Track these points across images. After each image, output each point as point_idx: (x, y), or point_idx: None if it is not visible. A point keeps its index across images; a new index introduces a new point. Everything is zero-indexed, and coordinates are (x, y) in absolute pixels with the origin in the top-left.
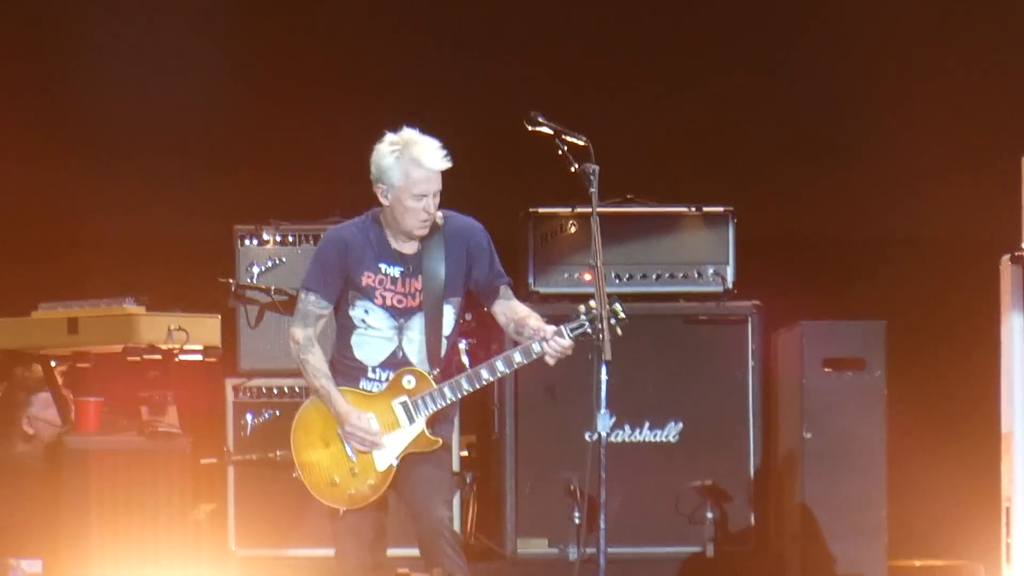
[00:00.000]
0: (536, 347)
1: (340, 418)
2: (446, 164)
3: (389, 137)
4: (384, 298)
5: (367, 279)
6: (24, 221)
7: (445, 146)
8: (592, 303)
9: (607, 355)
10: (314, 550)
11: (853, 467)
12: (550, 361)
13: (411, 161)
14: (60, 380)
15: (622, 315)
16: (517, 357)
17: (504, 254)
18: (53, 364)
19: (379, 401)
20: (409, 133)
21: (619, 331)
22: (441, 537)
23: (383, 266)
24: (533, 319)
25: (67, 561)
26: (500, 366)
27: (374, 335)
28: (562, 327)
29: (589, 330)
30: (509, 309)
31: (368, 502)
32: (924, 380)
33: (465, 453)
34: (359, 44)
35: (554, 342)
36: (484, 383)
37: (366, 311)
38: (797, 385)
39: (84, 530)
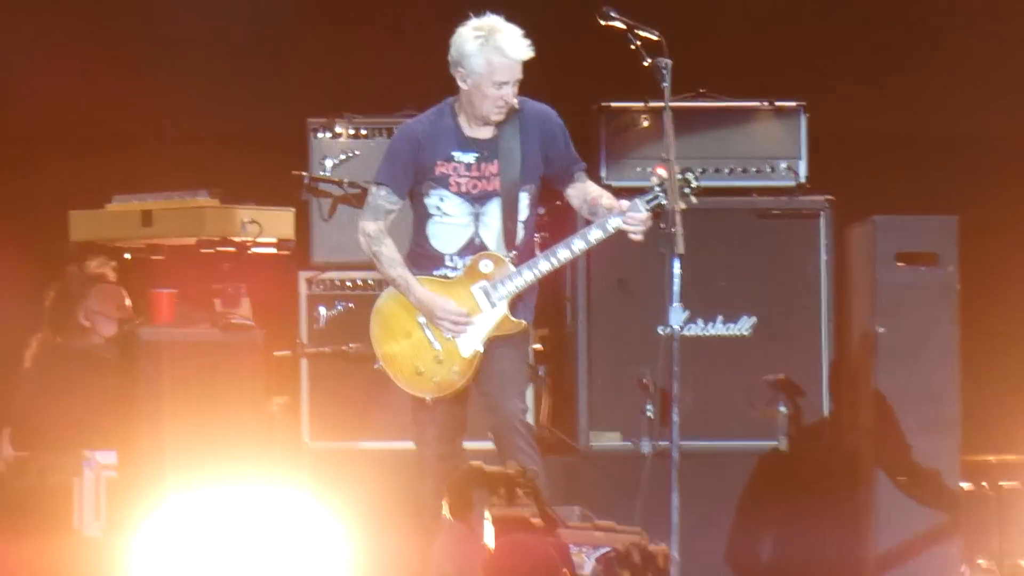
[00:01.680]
0: (613, 221)
1: (423, 306)
2: (529, 53)
3: (473, 22)
4: (459, 184)
5: (441, 167)
6: (99, 115)
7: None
8: (663, 173)
9: (679, 249)
10: (387, 443)
11: (926, 362)
12: (635, 236)
13: (494, 49)
14: (113, 275)
15: (695, 183)
16: (594, 233)
17: (577, 148)
18: (127, 256)
19: (458, 287)
20: (493, 20)
21: (693, 200)
22: (515, 430)
23: (457, 153)
24: (606, 198)
25: (141, 452)
26: (578, 243)
27: (450, 222)
28: (637, 199)
29: (663, 201)
30: (582, 191)
31: (455, 388)
32: (996, 276)
33: (538, 347)
34: None
35: (630, 216)
36: (562, 262)
37: (441, 199)
38: (870, 279)
39: (158, 422)
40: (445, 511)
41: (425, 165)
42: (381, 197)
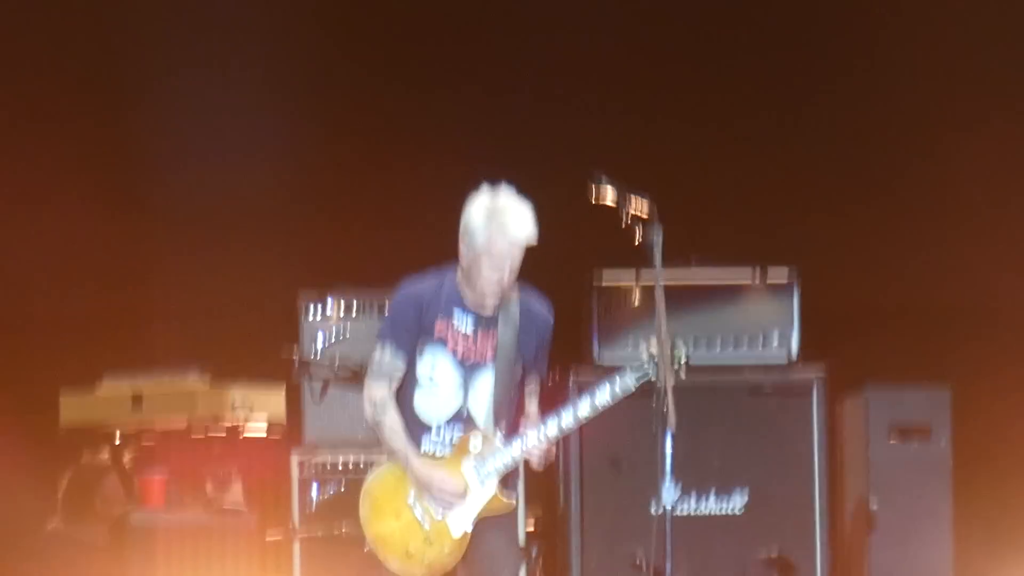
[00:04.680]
0: (604, 398)
1: (421, 480)
2: (531, 237)
3: (484, 196)
4: (456, 349)
5: (440, 326)
6: (89, 292)
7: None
8: (653, 350)
9: (672, 425)
10: None
11: (920, 537)
12: (533, 463)
13: (498, 227)
14: (128, 461)
15: (684, 359)
16: (582, 410)
17: (568, 323)
18: (117, 442)
19: (448, 465)
20: (504, 197)
21: (682, 376)
22: None
23: (458, 315)
24: (531, 420)
25: None
26: (565, 421)
27: (439, 392)
28: (627, 374)
29: (652, 376)
30: (526, 402)
31: (445, 570)
32: (990, 448)
33: (531, 526)
34: (420, 112)
35: (532, 447)
36: (552, 439)
37: (434, 362)
38: (863, 454)
39: None
40: None
41: (426, 324)
42: (386, 361)
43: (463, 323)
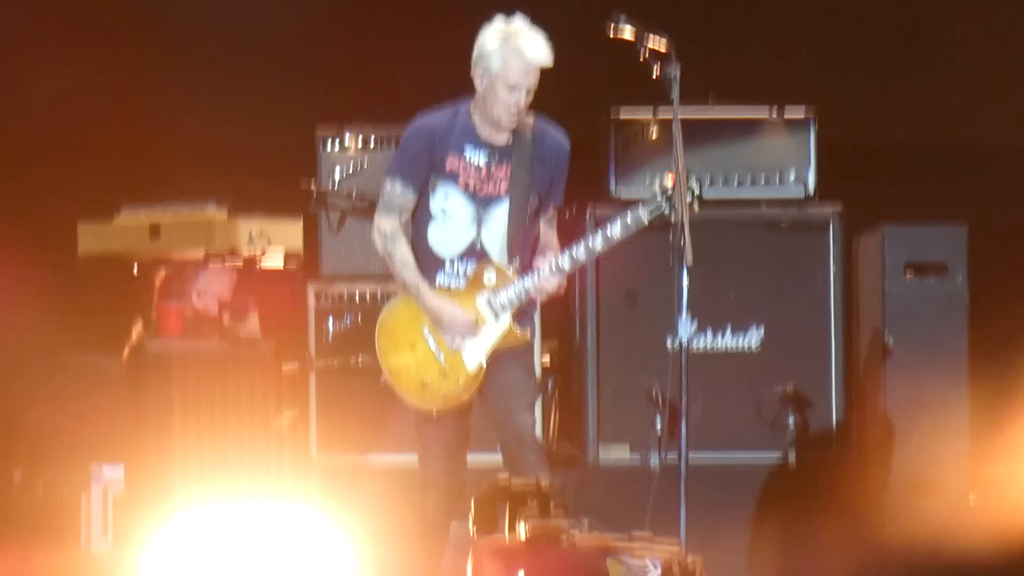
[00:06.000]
0: (616, 231)
1: (432, 312)
2: (546, 59)
3: (498, 23)
4: (468, 184)
5: (452, 163)
6: (108, 123)
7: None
8: (667, 183)
9: (688, 260)
10: (395, 456)
11: (935, 373)
12: (538, 296)
13: (513, 50)
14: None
15: (697, 191)
16: (596, 243)
17: (585, 158)
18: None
19: (462, 299)
20: (518, 23)
21: (695, 208)
22: (525, 444)
23: (469, 151)
24: (550, 251)
25: (149, 466)
26: (578, 254)
27: (452, 225)
28: (640, 208)
29: (664, 209)
30: (543, 231)
31: (460, 402)
32: (1006, 285)
33: (547, 359)
34: None
35: (547, 277)
36: (566, 271)
37: (446, 197)
38: (879, 290)
39: (166, 436)
40: (470, 526)
41: (437, 159)
42: (396, 193)
43: (475, 157)
